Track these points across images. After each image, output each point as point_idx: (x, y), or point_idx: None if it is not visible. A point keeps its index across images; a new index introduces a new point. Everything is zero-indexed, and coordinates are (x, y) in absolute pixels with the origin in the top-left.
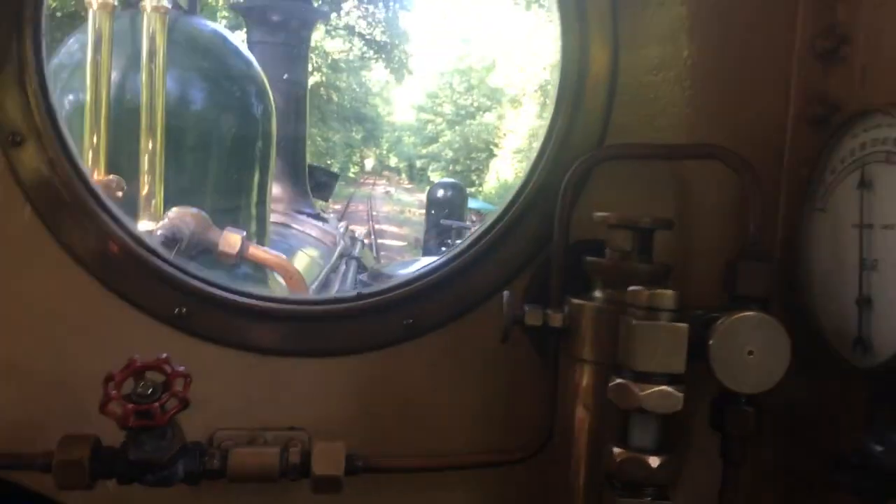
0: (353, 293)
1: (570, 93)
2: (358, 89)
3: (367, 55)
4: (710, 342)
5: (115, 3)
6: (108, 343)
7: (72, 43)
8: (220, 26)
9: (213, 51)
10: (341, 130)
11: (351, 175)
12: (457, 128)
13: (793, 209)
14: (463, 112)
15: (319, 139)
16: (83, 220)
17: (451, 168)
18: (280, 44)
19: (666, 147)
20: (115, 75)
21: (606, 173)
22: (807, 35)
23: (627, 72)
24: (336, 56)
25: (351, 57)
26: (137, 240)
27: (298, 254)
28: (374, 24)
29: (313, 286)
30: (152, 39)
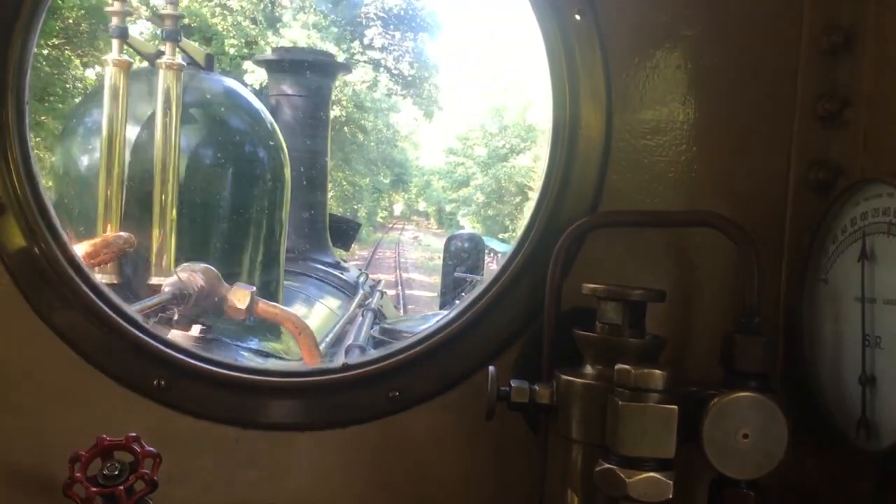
0: (339, 364)
1: (561, 157)
2: (385, 131)
3: (393, 92)
4: (703, 425)
5: (131, 61)
6: (86, 416)
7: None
8: (235, 83)
9: (225, 109)
10: (368, 174)
11: (379, 220)
12: (490, 171)
13: (795, 278)
14: (495, 155)
15: (345, 183)
16: (62, 290)
17: (482, 213)
18: (302, 96)
19: (660, 214)
20: (130, 131)
21: (601, 240)
22: (808, 98)
23: (621, 136)
24: (358, 87)
25: (377, 95)
26: (117, 310)
27: (316, 304)
28: (400, 55)
29: (328, 338)
30: (167, 95)
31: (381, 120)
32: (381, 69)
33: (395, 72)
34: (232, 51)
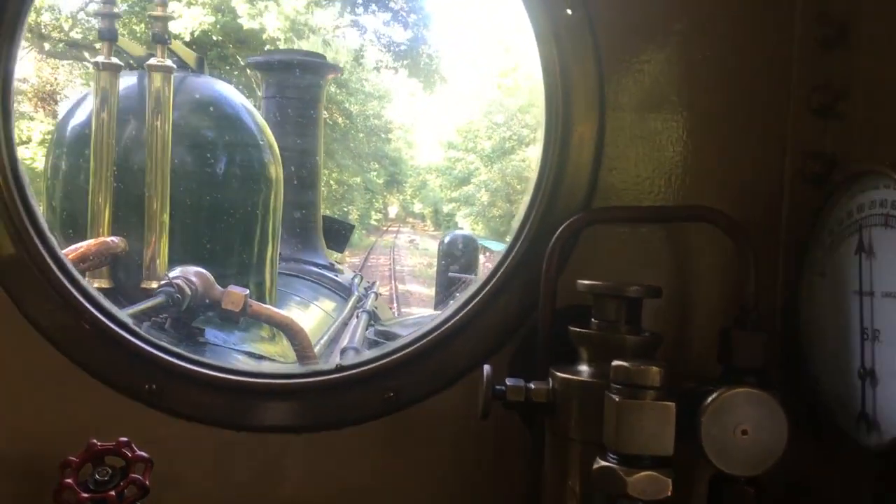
0: (333, 365)
1: (555, 154)
2: (376, 121)
3: (383, 64)
4: (701, 421)
5: (121, 64)
6: (76, 421)
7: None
8: (226, 85)
9: (215, 111)
10: (359, 171)
11: (373, 223)
12: (495, 166)
13: (792, 272)
14: (500, 148)
15: (333, 183)
16: (51, 293)
17: (487, 213)
18: (292, 98)
19: (655, 209)
20: (120, 135)
21: (595, 237)
22: (802, 90)
23: (615, 132)
24: (327, 33)
25: (366, 75)
26: (107, 313)
27: (311, 307)
28: (393, 16)
29: (322, 340)
30: (157, 99)
31: (369, 107)
32: (367, 34)
33: (384, 37)
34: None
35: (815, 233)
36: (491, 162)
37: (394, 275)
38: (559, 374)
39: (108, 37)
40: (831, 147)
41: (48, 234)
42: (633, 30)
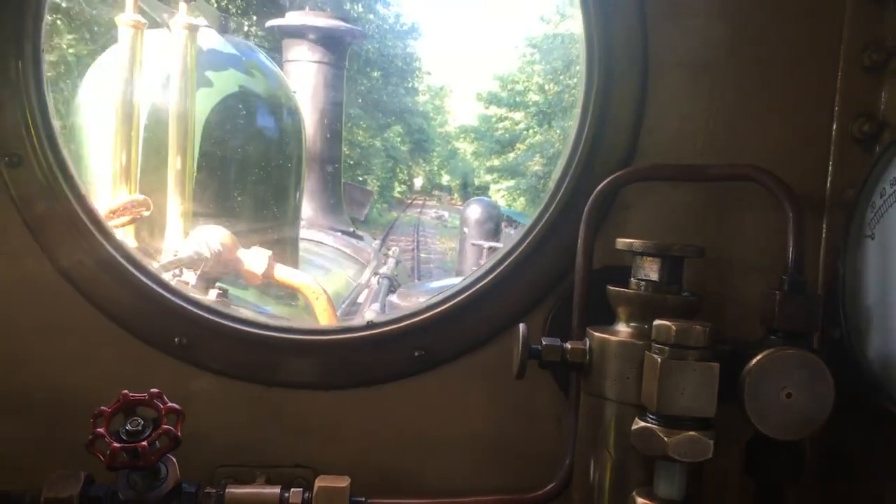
0: (364, 323)
1: (595, 111)
2: (401, 64)
3: None
4: (744, 382)
5: (145, 21)
6: (107, 374)
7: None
8: (249, 44)
9: (239, 70)
10: (374, 128)
11: (397, 195)
12: (553, 124)
13: (837, 234)
14: (558, 102)
15: (344, 147)
16: (82, 244)
17: (540, 185)
18: (316, 62)
19: (697, 168)
20: (145, 93)
21: (635, 196)
22: (853, 48)
23: (658, 88)
24: None
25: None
26: (138, 265)
27: (332, 271)
28: None
29: (343, 305)
30: (182, 57)
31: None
32: None
33: None
34: None
35: (864, 194)
36: (547, 119)
37: (417, 268)
38: (596, 333)
39: None
40: (883, 107)
41: (79, 183)
42: None
